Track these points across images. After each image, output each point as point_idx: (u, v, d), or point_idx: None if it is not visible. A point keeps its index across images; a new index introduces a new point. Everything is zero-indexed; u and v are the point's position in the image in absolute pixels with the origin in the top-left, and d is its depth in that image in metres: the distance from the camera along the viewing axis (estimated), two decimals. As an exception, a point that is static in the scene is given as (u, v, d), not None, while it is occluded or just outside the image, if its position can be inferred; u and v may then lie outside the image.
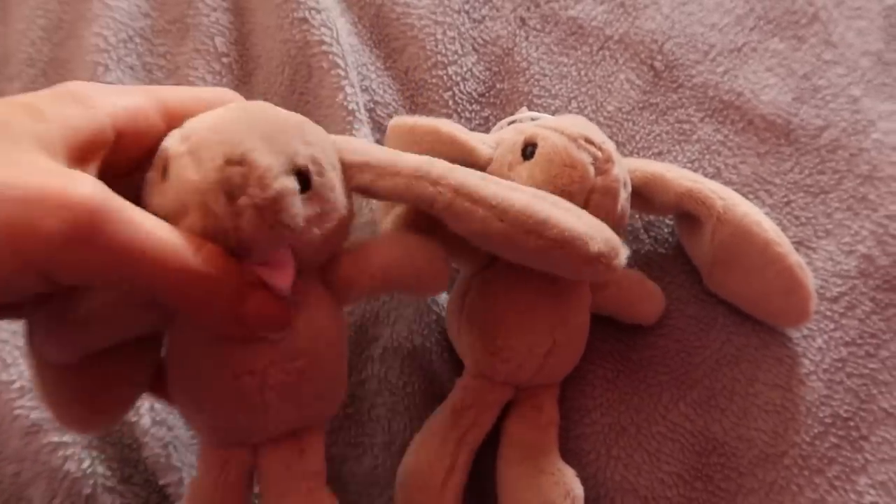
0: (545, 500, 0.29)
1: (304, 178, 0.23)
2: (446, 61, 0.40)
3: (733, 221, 0.31)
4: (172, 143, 0.22)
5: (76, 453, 0.31)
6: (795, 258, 0.32)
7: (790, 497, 0.32)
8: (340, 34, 0.40)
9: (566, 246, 0.24)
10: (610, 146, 0.30)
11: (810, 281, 0.32)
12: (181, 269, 0.20)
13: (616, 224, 0.30)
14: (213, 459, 0.25)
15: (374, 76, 0.40)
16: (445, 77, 0.40)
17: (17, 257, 0.17)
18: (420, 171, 0.24)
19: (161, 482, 0.31)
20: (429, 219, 0.26)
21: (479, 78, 0.40)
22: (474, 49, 0.41)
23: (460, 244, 0.26)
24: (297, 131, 0.23)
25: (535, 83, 0.40)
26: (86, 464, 0.31)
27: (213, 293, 0.21)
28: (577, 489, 0.29)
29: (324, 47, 0.39)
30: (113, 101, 0.22)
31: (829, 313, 0.35)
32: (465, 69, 0.40)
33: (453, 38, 0.41)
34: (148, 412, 0.32)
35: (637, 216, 0.37)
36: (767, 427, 0.33)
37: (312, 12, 0.39)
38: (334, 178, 0.24)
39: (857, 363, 0.34)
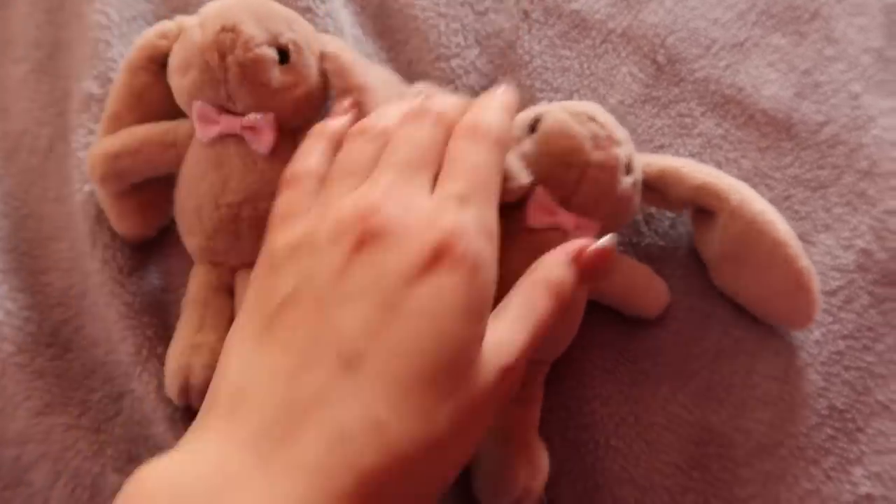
0: (504, 466, 0.29)
1: (284, 53, 0.30)
2: (449, 54, 0.40)
3: (746, 217, 0.32)
4: (190, 21, 0.31)
5: (87, 435, 0.31)
6: (806, 263, 0.32)
7: (786, 487, 0.32)
8: (344, 25, 0.40)
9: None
10: (619, 132, 0.31)
11: (816, 286, 0.32)
12: None
13: (615, 205, 0.30)
14: (201, 270, 0.32)
15: (377, 67, 0.41)
16: (448, 70, 0.40)
17: None
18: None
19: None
20: None
21: (481, 71, 0.40)
22: (477, 42, 0.41)
23: None
24: (285, 20, 0.31)
25: (538, 77, 0.40)
26: (96, 446, 0.31)
27: None
28: (543, 464, 0.30)
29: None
30: None
31: (827, 307, 0.35)
32: (467, 62, 0.40)
33: (456, 30, 0.41)
34: (155, 390, 0.32)
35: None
36: (765, 418, 0.33)
37: (317, 1, 0.39)
38: (310, 60, 0.31)
39: (855, 356, 0.35)
